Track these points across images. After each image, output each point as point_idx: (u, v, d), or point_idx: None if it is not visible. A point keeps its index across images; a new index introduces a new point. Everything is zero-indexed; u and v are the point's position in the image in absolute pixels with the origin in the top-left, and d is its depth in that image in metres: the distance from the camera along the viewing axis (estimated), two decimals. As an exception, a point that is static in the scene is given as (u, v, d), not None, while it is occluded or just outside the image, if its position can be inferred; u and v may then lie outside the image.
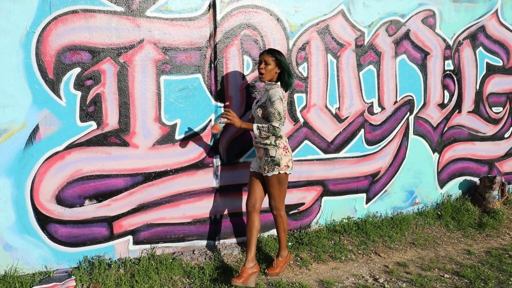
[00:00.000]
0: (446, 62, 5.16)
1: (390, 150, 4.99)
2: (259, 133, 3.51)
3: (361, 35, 4.60)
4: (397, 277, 3.78)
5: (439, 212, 5.26)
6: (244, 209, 4.27)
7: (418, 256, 4.25)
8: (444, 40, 5.10)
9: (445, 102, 5.24)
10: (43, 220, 3.69)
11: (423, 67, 5.02)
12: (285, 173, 3.62)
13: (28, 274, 3.66)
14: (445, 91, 5.22)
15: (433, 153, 5.29)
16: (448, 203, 5.36)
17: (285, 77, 3.60)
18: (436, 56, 5.08)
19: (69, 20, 3.53)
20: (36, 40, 3.47)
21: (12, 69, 3.44)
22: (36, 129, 3.56)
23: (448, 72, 5.19)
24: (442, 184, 5.45)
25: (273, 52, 3.57)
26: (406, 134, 5.06)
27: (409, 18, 4.83)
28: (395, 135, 4.99)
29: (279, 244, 3.86)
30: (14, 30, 3.41)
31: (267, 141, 3.56)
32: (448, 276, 3.80)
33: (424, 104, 5.11)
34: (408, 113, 5.03)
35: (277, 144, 3.57)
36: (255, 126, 3.53)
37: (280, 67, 3.57)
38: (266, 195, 3.78)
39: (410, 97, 5.00)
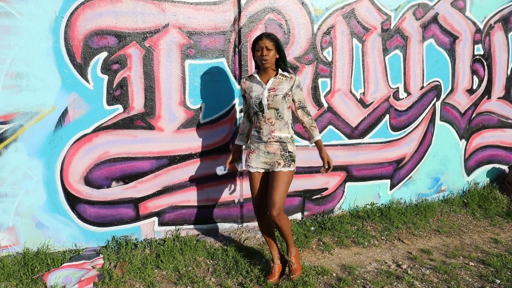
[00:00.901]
0: (476, 46, 4.97)
1: (415, 136, 4.88)
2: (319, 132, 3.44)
3: (387, 19, 4.47)
4: (420, 264, 3.71)
5: (465, 200, 5.12)
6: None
7: (442, 243, 4.16)
8: (474, 23, 4.91)
9: (474, 87, 5.07)
10: (73, 200, 3.79)
11: (451, 52, 4.86)
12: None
13: (59, 251, 3.79)
14: (474, 77, 5.04)
15: (460, 140, 5.14)
16: (475, 191, 5.22)
17: (282, 63, 3.33)
18: (466, 40, 4.90)
19: (96, 5, 3.57)
20: (64, 25, 3.53)
21: (42, 54, 3.52)
22: (65, 112, 3.64)
23: (477, 56, 5.00)
24: (469, 171, 5.30)
25: (271, 36, 3.25)
26: (432, 120, 4.93)
27: (438, 1, 4.65)
28: (421, 121, 4.86)
29: (286, 244, 3.46)
30: (44, 15, 3.48)
31: (288, 135, 3.34)
32: (473, 264, 3.71)
33: (452, 89, 4.95)
34: (435, 99, 4.89)
35: (293, 139, 3.39)
36: (317, 138, 3.37)
37: (278, 52, 3.29)
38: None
39: (437, 83, 4.86)
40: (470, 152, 5.25)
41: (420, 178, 5.01)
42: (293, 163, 3.31)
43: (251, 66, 4.04)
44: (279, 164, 3.27)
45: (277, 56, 3.28)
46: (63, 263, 3.60)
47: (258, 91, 3.30)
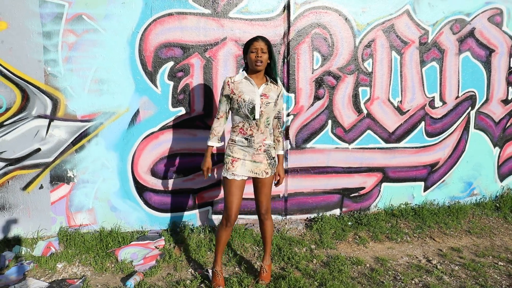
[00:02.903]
0: (512, 59, 4.93)
1: (449, 142, 4.89)
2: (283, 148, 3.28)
3: (425, 33, 4.55)
4: (450, 260, 3.74)
5: (497, 204, 5.06)
6: (308, 189, 4.47)
7: (473, 243, 4.15)
8: (511, 37, 4.87)
9: (510, 98, 5.02)
10: (140, 189, 4.12)
11: (487, 64, 4.84)
12: None
13: (128, 231, 4.10)
14: (510, 88, 4.99)
15: (494, 147, 5.09)
16: (507, 196, 5.14)
17: (272, 71, 3.09)
18: (502, 53, 4.87)
19: (165, 22, 3.90)
20: (139, 38, 3.88)
21: (120, 63, 3.88)
22: (137, 113, 3.98)
23: (513, 69, 4.96)
24: (502, 177, 5.23)
25: (266, 40, 3.00)
26: (466, 128, 4.93)
27: (475, 17, 4.67)
28: (455, 128, 4.87)
29: (265, 249, 3.31)
30: (123, 30, 3.84)
31: (272, 142, 3.16)
32: (502, 264, 3.69)
33: (487, 99, 4.93)
34: (470, 108, 4.89)
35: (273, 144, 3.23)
36: (279, 152, 3.24)
37: (270, 58, 3.04)
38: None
39: (472, 93, 4.85)
40: (504, 159, 5.19)
41: (453, 182, 5.01)
42: (275, 166, 3.19)
43: (298, 76, 4.24)
44: (267, 173, 3.09)
45: (268, 61, 3.05)
46: (131, 241, 3.89)
47: (251, 95, 3.01)
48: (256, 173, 3.08)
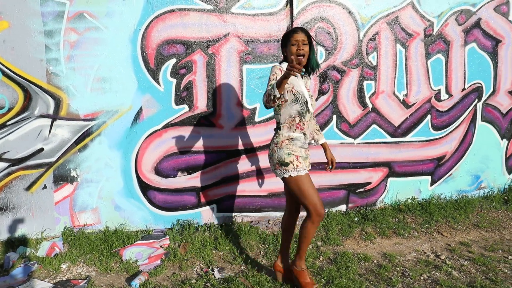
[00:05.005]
0: (520, 49, 4.83)
1: (456, 135, 4.82)
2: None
3: (430, 25, 4.46)
4: (459, 255, 3.69)
5: (506, 197, 4.98)
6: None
7: (481, 237, 4.10)
8: (518, 27, 4.78)
9: (517, 89, 4.94)
10: (144, 187, 4.08)
11: (493, 55, 4.75)
12: None
13: (132, 231, 4.07)
14: (517, 79, 4.91)
15: (502, 139, 5.00)
16: (516, 189, 5.08)
17: (312, 61, 2.84)
18: (509, 43, 4.77)
19: (167, 18, 3.85)
20: (141, 36, 3.83)
21: (123, 61, 3.84)
22: (140, 111, 3.94)
23: (521, 59, 4.86)
24: (510, 170, 5.13)
25: (306, 32, 2.77)
26: (473, 121, 4.85)
27: (481, 7, 4.57)
28: (462, 121, 4.79)
29: (304, 250, 3.00)
30: (125, 28, 3.79)
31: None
32: (512, 258, 3.65)
33: (494, 91, 4.84)
34: (476, 100, 4.80)
35: None
36: (323, 140, 3.16)
37: (310, 50, 2.80)
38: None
39: (479, 85, 4.77)
40: (512, 151, 5.11)
41: (461, 175, 4.94)
42: None
43: (301, 70, 4.17)
44: (310, 165, 2.95)
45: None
46: (136, 241, 3.86)
47: (300, 88, 2.80)
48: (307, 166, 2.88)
